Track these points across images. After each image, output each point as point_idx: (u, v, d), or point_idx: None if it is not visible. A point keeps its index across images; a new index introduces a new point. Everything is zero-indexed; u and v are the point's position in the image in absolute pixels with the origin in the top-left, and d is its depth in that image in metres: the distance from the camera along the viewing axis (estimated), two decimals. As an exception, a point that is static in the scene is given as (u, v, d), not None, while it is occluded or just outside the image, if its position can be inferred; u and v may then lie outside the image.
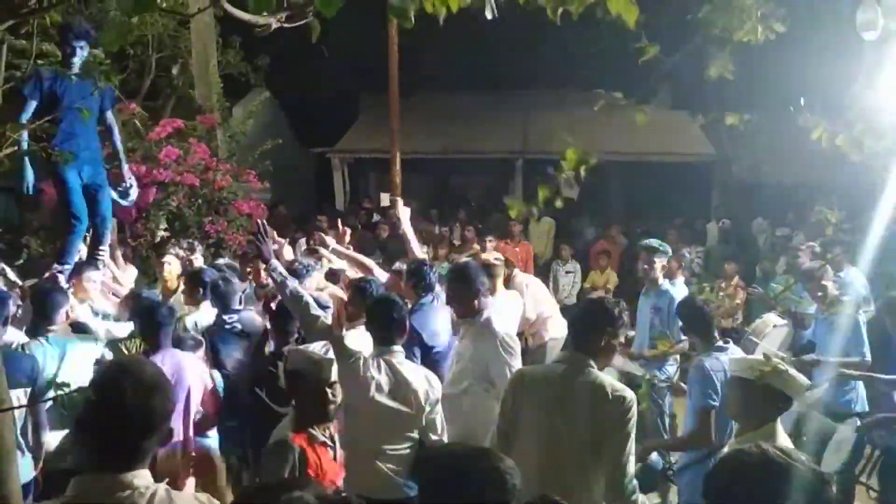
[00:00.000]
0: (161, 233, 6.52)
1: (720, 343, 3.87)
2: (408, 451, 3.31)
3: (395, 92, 10.72)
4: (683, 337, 4.88)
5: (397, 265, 5.40)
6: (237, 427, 4.29)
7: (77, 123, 4.67)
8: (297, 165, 14.90)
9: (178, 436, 3.79)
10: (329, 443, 2.98)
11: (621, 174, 13.74)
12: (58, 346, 3.83)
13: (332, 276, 5.69)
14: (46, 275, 4.98)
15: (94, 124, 5.02)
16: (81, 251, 5.12)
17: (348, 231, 6.07)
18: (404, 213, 5.47)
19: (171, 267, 5.62)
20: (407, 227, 5.36)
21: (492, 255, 6.04)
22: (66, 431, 3.67)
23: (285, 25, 1.92)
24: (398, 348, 3.43)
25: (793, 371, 2.95)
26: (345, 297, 4.96)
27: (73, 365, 3.81)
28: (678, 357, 5.23)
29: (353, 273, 5.48)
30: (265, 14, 1.85)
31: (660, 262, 5.36)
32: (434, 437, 3.38)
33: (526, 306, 5.98)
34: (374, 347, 3.44)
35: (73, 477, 1.70)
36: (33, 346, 3.79)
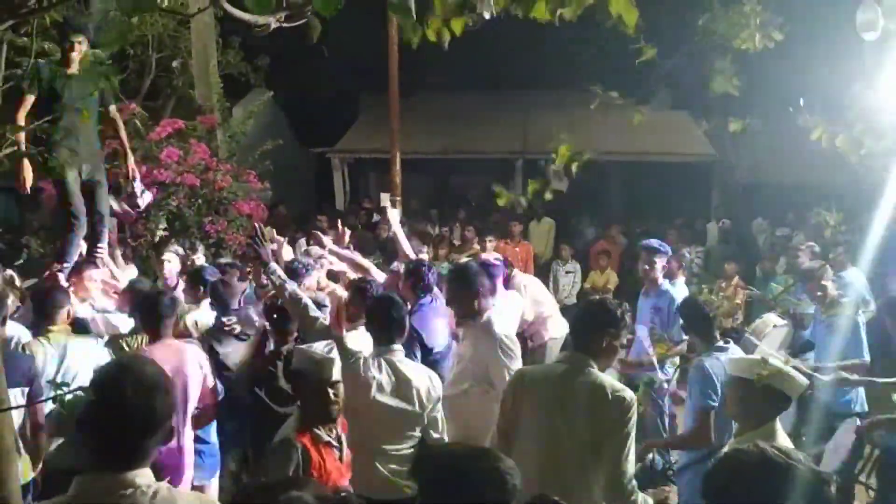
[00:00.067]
0: (160, 232, 6.53)
1: (720, 343, 3.88)
2: (409, 450, 3.31)
3: (395, 92, 10.73)
4: (684, 337, 4.89)
5: (395, 265, 5.40)
6: (237, 427, 4.29)
7: (77, 120, 4.68)
8: (297, 165, 14.89)
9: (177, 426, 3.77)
10: (334, 443, 2.96)
11: (621, 174, 13.75)
12: (58, 346, 3.82)
13: (333, 276, 5.69)
14: (47, 274, 4.99)
15: (94, 122, 5.04)
16: (82, 248, 5.14)
17: (348, 232, 6.06)
18: (393, 215, 5.46)
19: (171, 265, 5.61)
20: (397, 229, 5.35)
21: (492, 256, 6.04)
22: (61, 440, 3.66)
23: (284, 25, 1.92)
24: (398, 347, 3.43)
25: (792, 371, 2.95)
26: (345, 295, 4.95)
27: (73, 365, 3.81)
28: (677, 359, 5.24)
29: (354, 274, 5.47)
30: (264, 14, 1.85)
31: (660, 263, 5.36)
32: (435, 436, 3.38)
33: (524, 307, 5.98)
34: (374, 347, 3.44)
35: (72, 477, 1.70)
36: (33, 345, 3.78)
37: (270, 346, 4.49)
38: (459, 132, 13.89)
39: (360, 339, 3.76)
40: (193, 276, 5.05)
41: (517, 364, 3.69)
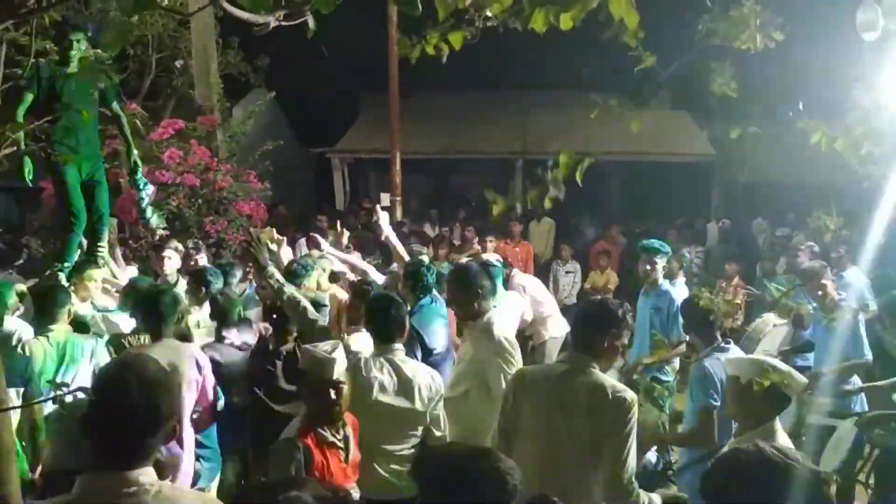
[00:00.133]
0: (160, 232, 6.53)
1: (721, 343, 3.87)
2: (410, 450, 3.30)
3: (395, 92, 10.73)
4: (684, 337, 4.90)
5: (394, 267, 5.40)
6: (236, 427, 4.29)
7: (77, 119, 4.69)
8: (297, 165, 14.90)
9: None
10: (340, 444, 2.90)
11: (621, 174, 13.76)
12: (58, 346, 3.81)
13: (333, 277, 5.68)
14: (48, 273, 4.99)
15: (94, 121, 5.04)
16: (84, 244, 5.14)
17: (346, 233, 6.05)
18: (384, 219, 5.44)
19: (171, 261, 5.60)
20: (389, 233, 5.35)
21: (493, 258, 6.04)
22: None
23: (283, 23, 1.92)
24: (399, 346, 3.42)
25: (791, 370, 2.95)
26: (346, 298, 4.94)
27: (73, 365, 3.81)
28: (676, 364, 5.24)
29: (353, 275, 5.47)
30: (263, 12, 1.85)
31: (660, 263, 5.36)
32: (438, 434, 3.38)
33: (524, 307, 5.98)
34: (375, 347, 3.44)
35: (72, 478, 1.70)
36: (32, 344, 3.78)
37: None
38: (459, 132, 13.89)
39: (362, 342, 3.75)
40: (196, 277, 5.04)
41: (515, 369, 3.65)
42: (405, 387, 3.28)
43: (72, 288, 4.78)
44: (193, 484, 3.89)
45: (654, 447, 4.27)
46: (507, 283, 6.05)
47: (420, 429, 3.35)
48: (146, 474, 1.70)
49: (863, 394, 4.82)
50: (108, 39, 1.77)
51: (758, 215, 11.65)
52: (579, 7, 1.98)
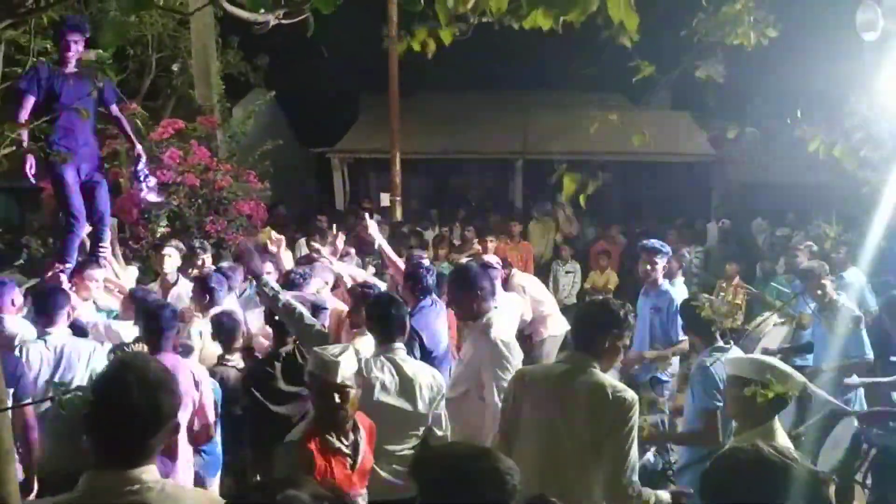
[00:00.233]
0: (161, 229, 6.54)
1: (721, 343, 3.87)
2: (411, 451, 3.30)
3: (395, 92, 10.74)
4: (683, 336, 4.89)
5: (390, 271, 5.39)
6: (236, 428, 4.28)
7: (75, 120, 4.69)
8: (297, 165, 14.90)
9: None
10: (346, 451, 2.81)
11: (621, 174, 13.74)
12: (55, 350, 3.82)
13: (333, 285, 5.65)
14: (49, 275, 4.99)
15: (92, 121, 5.05)
16: (86, 243, 5.14)
17: (341, 236, 6.04)
18: (373, 228, 5.42)
19: (172, 260, 5.58)
20: (381, 241, 5.34)
21: (493, 259, 6.04)
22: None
23: (283, 22, 1.92)
24: (400, 346, 3.41)
25: (790, 369, 2.95)
26: (345, 309, 4.88)
27: (69, 369, 3.80)
28: (676, 367, 5.24)
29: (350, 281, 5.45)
30: (262, 11, 1.85)
31: (661, 263, 5.36)
32: (440, 433, 3.38)
33: (524, 307, 5.98)
34: (376, 347, 3.44)
35: (70, 479, 1.70)
36: (30, 348, 3.79)
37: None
38: (459, 132, 13.89)
39: (366, 345, 3.73)
40: (200, 284, 4.98)
41: (510, 375, 3.61)
42: (406, 386, 3.28)
43: (73, 288, 4.78)
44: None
45: (654, 448, 4.27)
46: (506, 283, 6.05)
47: (421, 429, 3.35)
48: (149, 472, 1.72)
49: (862, 393, 4.82)
50: (105, 38, 1.77)
51: (758, 215, 11.65)
52: (578, 11, 1.98)
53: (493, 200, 14.46)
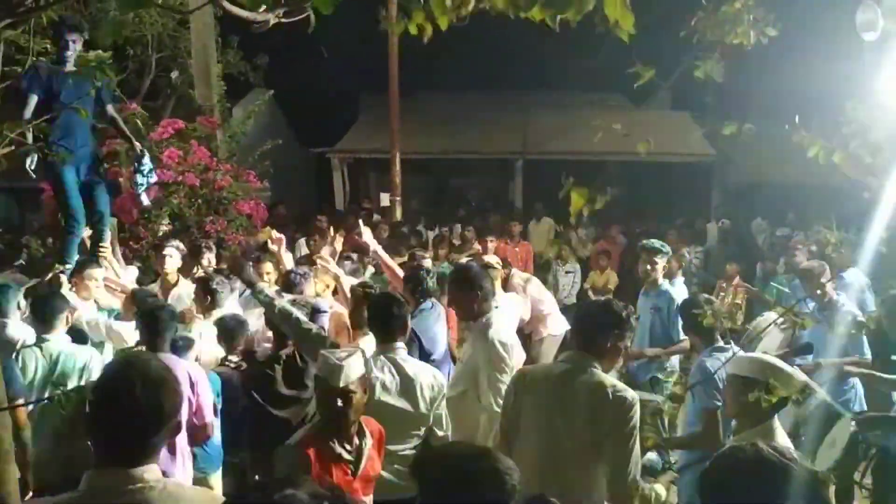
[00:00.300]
0: (164, 227, 6.53)
1: (721, 343, 3.87)
2: (412, 450, 3.29)
3: (395, 92, 10.73)
4: (683, 336, 4.89)
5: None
6: (235, 430, 4.28)
7: (74, 119, 4.69)
8: (297, 165, 14.90)
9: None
10: (348, 458, 2.75)
11: (621, 174, 13.74)
12: (50, 359, 3.81)
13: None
14: (49, 276, 4.98)
15: (91, 121, 5.05)
16: (86, 243, 5.14)
17: (340, 238, 6.05)
18: (367, 235, 5.41)
19: (172, 260, 5.57)
20: (376, 248, 5.34)
21: (493, 260, 6.04)
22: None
23: (283, 21, 1.92)
24: (400, 345, 3.41)
25: (789, 369, 2.95)
26: (345, 311, 4.87)
27: (63, 376, 3.80)
28: (676, 366, 5.23)
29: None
30: (262, 9, 1.85)
31: (661, 263, 5.36)
32: (440, 433, 3.37)
33: (524, 307, 5.98)
34: (377, 346, 3.44)
35: (69, 482, 1.71)
36: (26, 354, 3.79)
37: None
38: (459, 132, 13.90)
39: (369, 346, 3.72)
40: (202, 286, 4.96)
41: (507, 377, 3.55)
42: (407, 386, 3.28)
43: (73, 288, 4.78)
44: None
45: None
46: (506, 283, 6.06)
47: (422, 429, 3.34)
48: (151, 471, 1.72)
49: (861, 393, 4.82)
50: (103, 35, 1.77)
51: (758, 215, 11.65)
52: (574, 10, 1.98)
53: (493, 200, 14.47)
